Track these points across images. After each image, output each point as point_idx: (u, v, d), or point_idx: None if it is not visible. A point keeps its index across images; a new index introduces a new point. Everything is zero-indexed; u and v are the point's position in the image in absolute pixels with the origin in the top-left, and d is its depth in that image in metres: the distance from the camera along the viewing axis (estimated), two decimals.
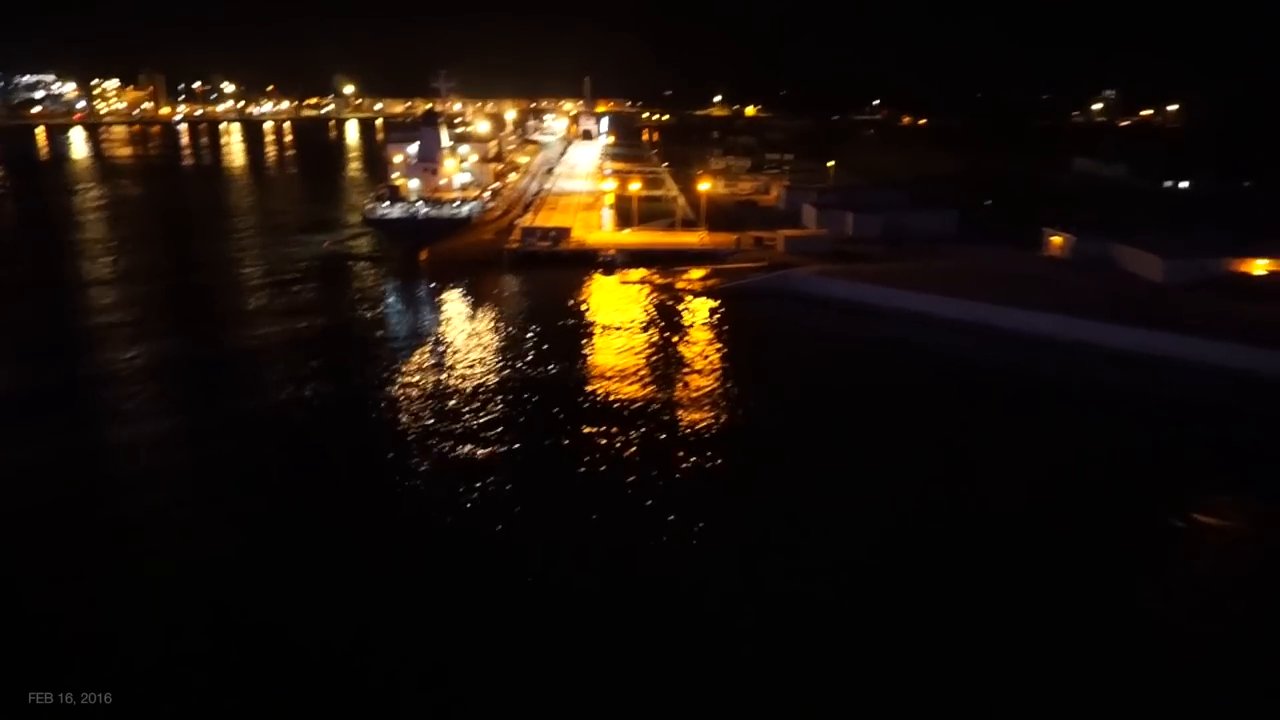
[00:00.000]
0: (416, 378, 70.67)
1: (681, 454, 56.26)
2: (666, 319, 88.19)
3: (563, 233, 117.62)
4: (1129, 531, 47.09)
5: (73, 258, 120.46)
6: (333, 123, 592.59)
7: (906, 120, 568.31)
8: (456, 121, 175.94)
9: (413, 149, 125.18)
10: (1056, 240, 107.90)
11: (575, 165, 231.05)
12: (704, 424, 61.49)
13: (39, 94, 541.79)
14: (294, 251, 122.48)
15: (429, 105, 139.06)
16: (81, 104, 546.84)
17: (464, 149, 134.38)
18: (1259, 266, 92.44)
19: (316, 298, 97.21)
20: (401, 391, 67.59)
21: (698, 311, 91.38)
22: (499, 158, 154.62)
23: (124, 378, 70.89)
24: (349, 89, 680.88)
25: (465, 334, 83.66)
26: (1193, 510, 48.92)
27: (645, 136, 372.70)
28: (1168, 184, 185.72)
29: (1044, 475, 53.57)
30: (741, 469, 54.77)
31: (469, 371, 71.76)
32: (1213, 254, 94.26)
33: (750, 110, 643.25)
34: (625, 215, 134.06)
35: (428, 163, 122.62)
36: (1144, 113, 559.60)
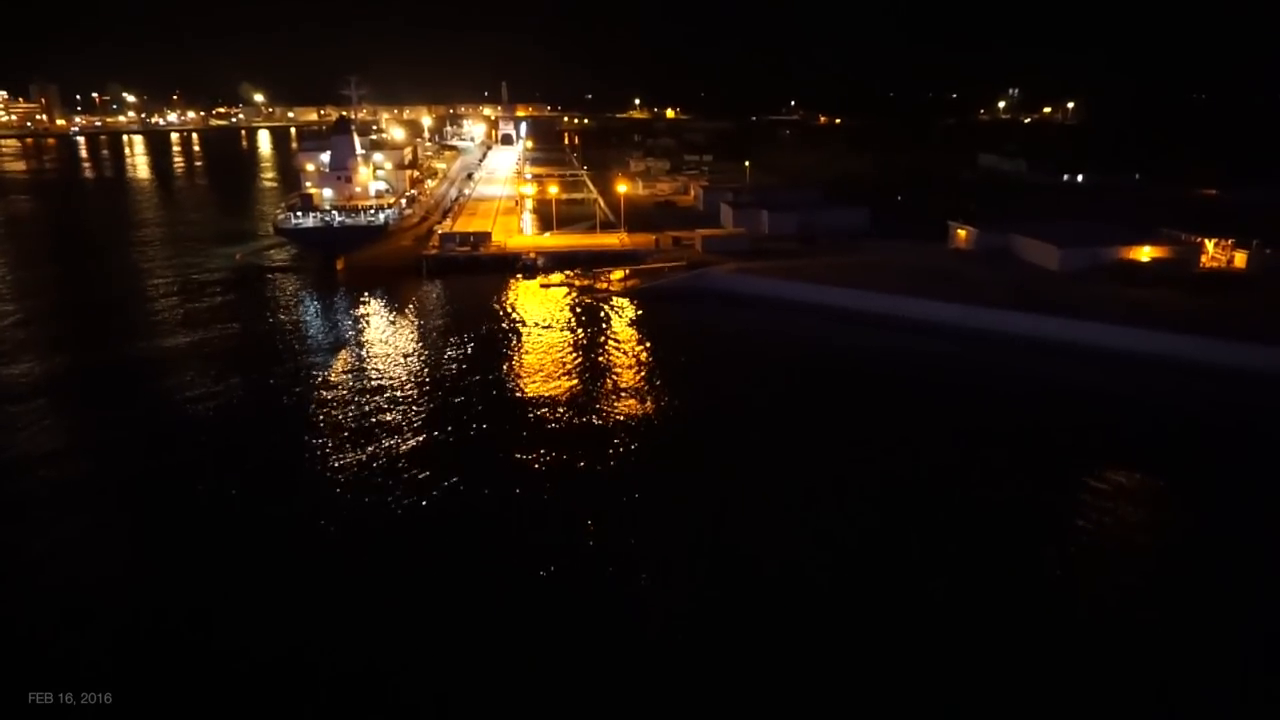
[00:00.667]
0: (334, 386, 69.62)
1: (603, 451, 56.90)
2: (587, 320, 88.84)
3: (482, 237, 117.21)
4: (1032, 504, 49.78)
5: None
6: (244, 132, 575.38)
7: (823, 120, 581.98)
8: (374, 129, 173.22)
9: (325, 157, 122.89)
10: (961, 233, 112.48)
11: (495, 170, 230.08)
12: (626, 421, 62.23)
13: None
14: (203, 264, 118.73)
15: (341, 113, 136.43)
16: None
17: (378, 156, 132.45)
18: (1145, 254, 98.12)
19: (227, 310, 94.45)
20: (319, 399, 66.54)
21: (618, 312, 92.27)
22: (415, 164, 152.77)
23: (24, 392, 68.66)
24: (259, 97, 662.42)
25: (385, 341, 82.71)
26: (1087, 483, 51.96)
27: (565, 140, 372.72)
28: (1065, 178, 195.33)
29: (948, 453, 56.10)
30: (665, 463, 55.58)
31: (388, 379, 71.04)
32: (1104, 243, 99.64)
33: (670, 113, 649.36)
34: (545, 218, 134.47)
35: (340, 171, 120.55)
36: (1045, 110, 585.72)
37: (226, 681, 35.71)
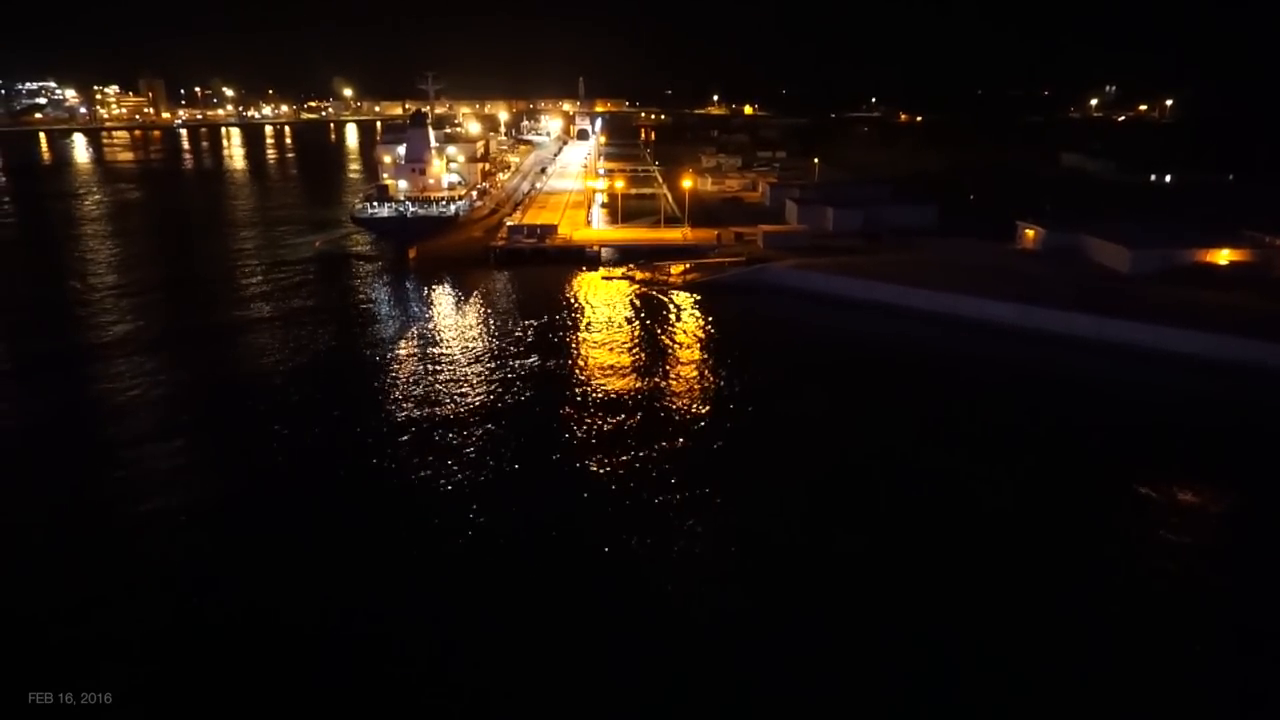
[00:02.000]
0: (398, 363, 73.20)
1: (650, 433, 58.43)
2: (646, 312, 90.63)
3: (549, 230, 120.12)
4: (1085, 506, 49.43)
5: (71, 260, 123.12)
6: (332, 125, 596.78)
7: (904, 117, 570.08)
8: (455, 122, 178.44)
9: (401, 150, 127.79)
10: (1029, 233, 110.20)
11: (568, 165, 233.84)
12: (674, 406, 63.70)
13: (41, 100, 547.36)
14: (286, 249, 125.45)
15: (417, 107, 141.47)
16: (83, 110, 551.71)
17: (452, 150, 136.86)
18: (1223, 257, 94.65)
19: (304, 291, 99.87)
20: (385, 375, 70.16)
21: (676, 304, 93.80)
22: (487, 158, 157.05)
23: (112, 354, 74.55)
24: (348, 91, 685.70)
25: (449, 325, 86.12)
26: (1144, 488, 51.24)
27: (641, 136, 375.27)
28: (1152, 178, 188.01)
29: (1005, 454, 55.88)
30: (716, 451, 56.81)
31: (449, 358, 74.18)
32: (1179, 245, 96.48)
33: (748, 109, 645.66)
34: (613, 213, 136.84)
35: (415, 163, 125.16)
36: (1141, 107, 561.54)
37: (227, 680, 35.29)
